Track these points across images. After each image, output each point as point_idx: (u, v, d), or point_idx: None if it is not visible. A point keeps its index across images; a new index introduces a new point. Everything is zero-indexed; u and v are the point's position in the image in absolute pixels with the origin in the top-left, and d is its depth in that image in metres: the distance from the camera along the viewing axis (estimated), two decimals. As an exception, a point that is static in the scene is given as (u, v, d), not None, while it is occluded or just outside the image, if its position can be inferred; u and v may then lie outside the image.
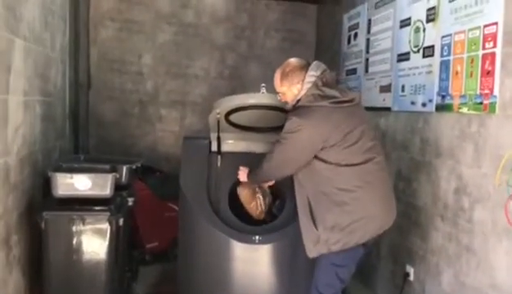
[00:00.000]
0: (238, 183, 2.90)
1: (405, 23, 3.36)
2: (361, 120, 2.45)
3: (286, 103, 2.59)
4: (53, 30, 3.60)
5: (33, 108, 3.09)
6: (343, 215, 2.34)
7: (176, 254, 3.18)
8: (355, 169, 2.35)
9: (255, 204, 2.91)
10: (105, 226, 2.84)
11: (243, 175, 2.80)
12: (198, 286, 2.89)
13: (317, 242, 2.39)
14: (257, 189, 2.92)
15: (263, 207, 2.92)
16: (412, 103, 3.23)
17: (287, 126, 2.40)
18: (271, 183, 2.92)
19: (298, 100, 2.47)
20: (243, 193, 2.90)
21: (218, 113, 2.83)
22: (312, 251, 2.44)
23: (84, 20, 4.88)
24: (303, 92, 2.44)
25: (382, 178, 2.44)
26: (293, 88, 2.50)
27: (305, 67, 2.49)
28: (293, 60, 2.57)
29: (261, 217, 2.92)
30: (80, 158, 3.76)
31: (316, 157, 2.37)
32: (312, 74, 2.45)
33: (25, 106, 2.93)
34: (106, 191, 2.87)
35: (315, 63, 2.51)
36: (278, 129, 2.97)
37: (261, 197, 2.93)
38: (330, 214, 2.36)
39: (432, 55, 2.99)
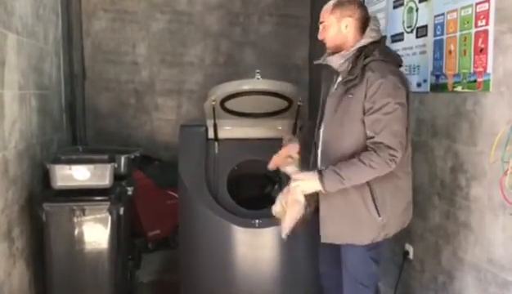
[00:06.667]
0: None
1: (398, 3, 3.35)
2: None
3: (322, 42, 2.32)
4: (45, 23, 3.58)
5: (28, 101, 3.10)
6: (402, 198, 2.34)
7: (177, 241, 3.22)
8: (410, 150, 2.33)
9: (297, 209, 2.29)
10: (106, 216, 2.88)
11: (307, 180, 2.18)
12: (200, 271, 2.93)
13: (382, 228, 2.30)
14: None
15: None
16: (407, 83, 3.23)
17: (385, 86, 2.05)
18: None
19: (362, 50, 2.17)
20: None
21: (213, 101, 2.84)
22: (365, 240, 2.31)
23: (76, 11, 4.85)
24: (365, 41, 2.21)
25: None
26: (341, 23, 2.23)
27: (362, 6, 2.30)
28: None
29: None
30: (78, 149, 3.78)
31: None
32: (373, 28, 2.24)
33: (21, 100, 2.93)
34: (105, 181, 2.90)
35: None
36: (273, 114, 3.00)
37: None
38: (393, 199, 2.28)
39: (425, 35, 2.98)
